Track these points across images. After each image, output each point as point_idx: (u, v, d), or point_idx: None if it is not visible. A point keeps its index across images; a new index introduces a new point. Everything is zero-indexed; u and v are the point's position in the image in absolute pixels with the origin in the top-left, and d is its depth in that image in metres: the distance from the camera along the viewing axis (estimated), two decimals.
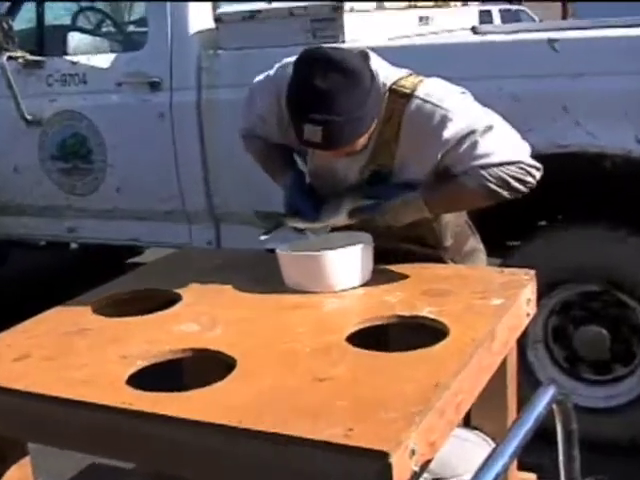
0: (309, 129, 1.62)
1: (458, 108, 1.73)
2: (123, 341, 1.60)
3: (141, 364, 1.47)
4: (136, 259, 4.79)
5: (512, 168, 1.73)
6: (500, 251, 2.64)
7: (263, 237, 1.87)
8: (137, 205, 3.34)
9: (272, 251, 1.87)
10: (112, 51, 3.45)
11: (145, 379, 1.43)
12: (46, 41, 3.51)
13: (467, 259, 2.01)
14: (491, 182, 1.72)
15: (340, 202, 1.83)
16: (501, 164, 1.72)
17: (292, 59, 1.81)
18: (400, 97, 1.74)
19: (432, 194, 1.79)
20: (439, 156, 1.75)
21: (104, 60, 3.30)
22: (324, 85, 1.60)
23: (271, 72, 1.92)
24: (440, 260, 1.95)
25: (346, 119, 1.62)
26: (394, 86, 1.76)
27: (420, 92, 1.74)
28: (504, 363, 1.68)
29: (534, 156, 1.80)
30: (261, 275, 1.90)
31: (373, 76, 1.69)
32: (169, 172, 3.20)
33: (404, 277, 1.82)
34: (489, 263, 2.12)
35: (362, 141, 1.73)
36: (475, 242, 2.05)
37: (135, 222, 3.36)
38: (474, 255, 2.03)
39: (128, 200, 3.35)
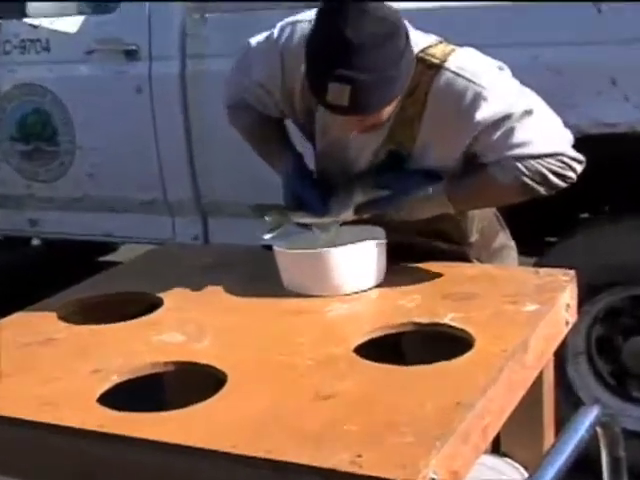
0: (334, 89, 1.57)
1: (495, 86, 1.71)
2: (95, 353, 1.59)
3: (116, 380, 1.46)
4: (110, 257, 4.80)
5: (551, 161, 1.71)
6: (534, 248, 2.63)
7: (267, 236, 1.86)
8: (111, 194, 3.33)
9: (269, 247, 1.87)
10: (80, 13, 3.36)
11: (120, 397, 1.43)
12: (1, 0, 3.47)
13: (495, 257, 1.99)
14: (527, 176, 1.71)
15: (350, 193, 1.83)
16: (539, 156, 1.71)
17: (299, 16, 1.81)
18: (428, 68, 1.72)
19: (457, 189, 1.78)
20: (467, 141, 1.73)
21: (70, 24, 3.27)
22: (355, 36, 1.56)
23: (274, 31, 1.88)
24: (464, 258, 1.94)
25: (378, 78, 1.59)
26: (421, 54, 1.73)
27: (451, 64, 1.72)
28: (539, 379, 1.67)
29: (576, 137, 1.80)
30: (256, 276, 1.89)
31: (407, 33, 1.66)
32: (148, 155, 3.18)
33: (423, 278, 1.82)
34: (521, 262, 2.11)
35: (389, 109, 1.69)
36: (505, 238, 2.04)
37: (109, 214, 3.36)
38: (504, 253, 2.02)
39: (100, 188, 3.34)
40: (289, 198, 1.87)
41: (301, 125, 1.93)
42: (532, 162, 1.71)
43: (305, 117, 1.84)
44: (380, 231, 1.84)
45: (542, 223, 2.82)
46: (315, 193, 1.83)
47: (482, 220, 1.97)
